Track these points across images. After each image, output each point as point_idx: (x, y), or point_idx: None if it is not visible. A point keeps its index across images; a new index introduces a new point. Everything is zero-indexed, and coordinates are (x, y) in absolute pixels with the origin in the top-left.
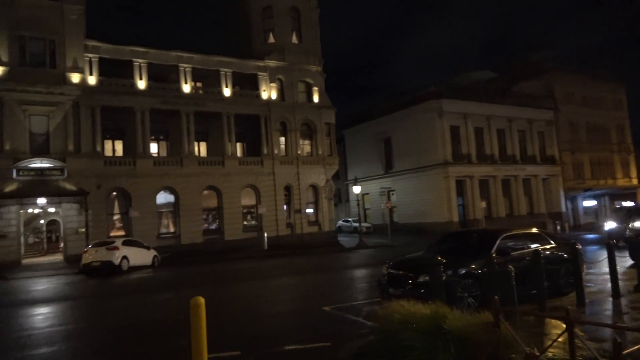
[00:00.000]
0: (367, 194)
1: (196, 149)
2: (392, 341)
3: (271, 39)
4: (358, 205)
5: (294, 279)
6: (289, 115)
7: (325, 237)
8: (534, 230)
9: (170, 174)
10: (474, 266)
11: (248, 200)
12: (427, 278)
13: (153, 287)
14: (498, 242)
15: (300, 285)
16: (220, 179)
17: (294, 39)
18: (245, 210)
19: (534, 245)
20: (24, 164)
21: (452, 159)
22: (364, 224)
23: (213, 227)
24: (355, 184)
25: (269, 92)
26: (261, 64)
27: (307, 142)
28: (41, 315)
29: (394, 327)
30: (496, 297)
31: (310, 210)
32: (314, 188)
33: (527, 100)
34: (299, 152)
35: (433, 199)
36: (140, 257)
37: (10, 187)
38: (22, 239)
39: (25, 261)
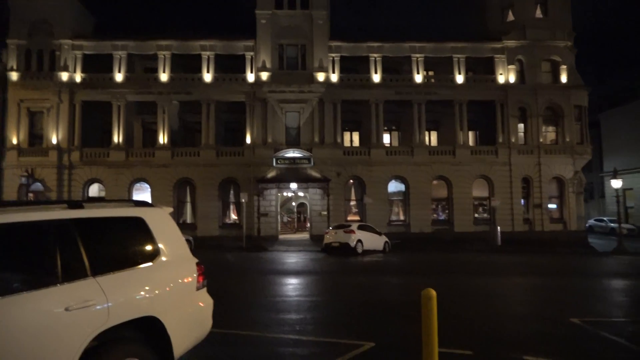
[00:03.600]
0: (631, 189)
1: (427, 138)
2: None
3: (510, 17)
4: (617, 202)
5: (532, 280)
6: (529, 99)
7: (571, 237)
8: None
9: (401, 163)
10: None
11: (480, 191)
12: None
13: (384, 270)
14: None
15: (539, 288)
16: (450, 169)
17: (538, 13)
18: (476, 202)
19: None
20: (281, 153)
21: None
22: (625, 225)
23: (442, 217)
24: (614, 177)
25: (506, 75)
26: (498, 45)
27: (550, 128)
28: (291, 285)
29: None
30: None
31: (553, 206)
32: (559, 180)
33: None
34: (541, 139)
35: None
36: (373, 241)
37: (271, 174)
38: (278, 218)
39: (280, 236)
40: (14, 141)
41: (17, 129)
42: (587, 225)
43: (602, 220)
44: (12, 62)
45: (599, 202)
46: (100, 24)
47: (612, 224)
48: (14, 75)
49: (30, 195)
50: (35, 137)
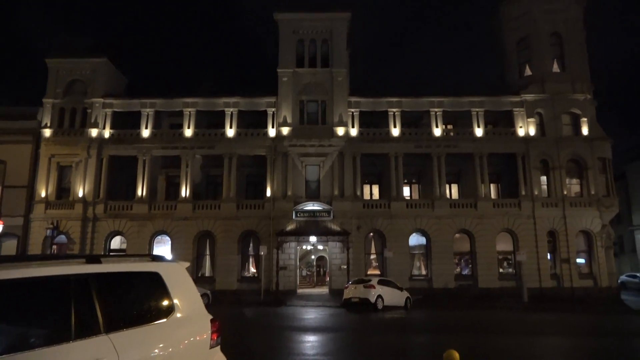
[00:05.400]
0: None
1: (447, 191)
2: None
3: (528, 71)
4: None
5: (566, 341)
6: (551, 152)
7: (602, 293)
8: None
9: (422, 216)
10: None
11: (504, 245)
12: None
13: (405, 328)
14: None
15: (576, 349)
16: (472, 222)
17: (555, 67)
18: (500, 257)
19: None
20: (300, 207)
21: None
22: None
23: (466, 272)
24: None
25: (526, 128)
26: (516, 99)
27: (575, 180)
28: (309, 343)
29: None
30: None
31: (581, 261)
32: (587, 234)
33: None
34: (565, 192)
35: None
36: (394, 297)
37: (290, 226)
38: (297, 272)
39: (299, 291)
40: (43, 194)
41: (46, 183)
42: (619, 281)
43: (634, 276)
44: (47, 120)
45: (630, 256)
46: (132, 83)
47: None
48: (47, 132)
49: (54, 247)
50: (63, 190)
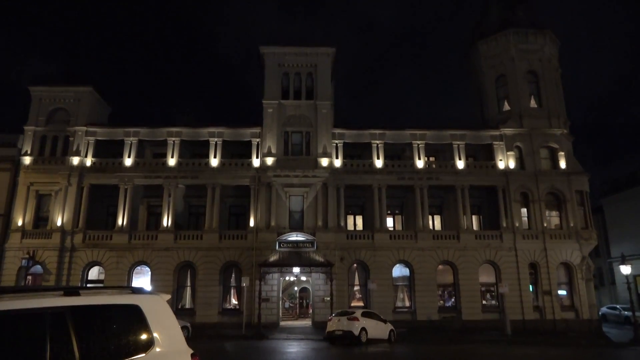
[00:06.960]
0: None
1: (430, 222)
2: None
3: (506, 106)
4: (629, 289)
5: None
6: (530, 185)
7: (584, 326)
8: None
9: (406, 248)
10: None
11: (486, 277)
12: None
13: None
14: None
15: None
16: (455, 254)
17: (533, 103)
18: (483, 288)
19: None
20: (284, 237)
21: None
22: None
23: (449, 304)
24: (622, 263)
25: (506, 162)
26: (496, 133)
27: (554, 213)
28: None
29: None
30: None
31: (562, 293)
32: (567, 266)
33: None
34: (545, 225)
35: None
36: (378, 330)
37: (273, 257)
38: (280, 303)
39: (281, 323)
40: (19, 223)
41: (23, 211)
42: (600, 313)
43: (615, 308)
44: (27, 147)
45: (610, 288)
46: (116, 112)
47: (626, 312)
48: (26, 160)
49: (29, 278)
50: (41, 219)
